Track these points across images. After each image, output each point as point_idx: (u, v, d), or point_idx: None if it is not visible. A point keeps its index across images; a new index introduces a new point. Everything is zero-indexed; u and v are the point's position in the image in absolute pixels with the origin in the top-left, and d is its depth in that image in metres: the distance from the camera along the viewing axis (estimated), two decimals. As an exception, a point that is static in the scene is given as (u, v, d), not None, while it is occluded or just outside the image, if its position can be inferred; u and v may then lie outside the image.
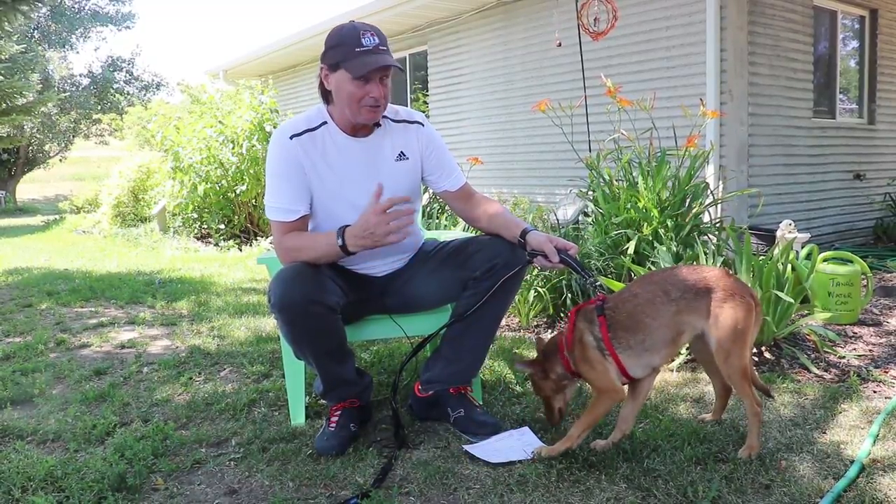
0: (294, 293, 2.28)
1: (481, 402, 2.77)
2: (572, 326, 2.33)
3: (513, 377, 3.15)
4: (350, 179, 2.49)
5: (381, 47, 2.35)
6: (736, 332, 2.20)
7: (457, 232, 4.83)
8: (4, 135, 21.66)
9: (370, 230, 2.27)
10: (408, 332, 2.73)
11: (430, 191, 6.07)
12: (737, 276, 2.37)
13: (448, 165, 2.69)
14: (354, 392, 2.57)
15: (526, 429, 2.47)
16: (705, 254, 3.75)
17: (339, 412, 2.52)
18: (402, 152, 2.58)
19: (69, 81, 27.86)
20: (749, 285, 2.63)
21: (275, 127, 9.11)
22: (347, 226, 2.34)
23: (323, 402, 2.82)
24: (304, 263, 2.38)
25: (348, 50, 2.34)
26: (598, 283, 2.40)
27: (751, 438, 2.27)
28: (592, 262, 4.15)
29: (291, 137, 2.44)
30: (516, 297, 3.95)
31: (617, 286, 3.58)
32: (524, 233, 2.47)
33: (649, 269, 3.74)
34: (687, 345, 2.75)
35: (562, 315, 4.10)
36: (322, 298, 2.32)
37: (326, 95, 2.48)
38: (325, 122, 2.48)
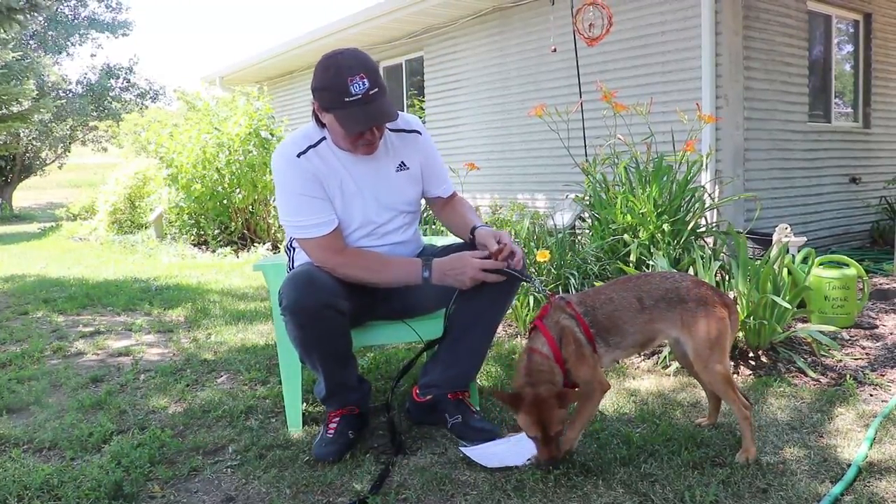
0: (308, 297, 2.30)
1: (478, 408, 2.77)
2: (548, 332, 2.26)
3: (509, 384, 3.15)
4: (353, 193, 2.50)
5: (371, 91, 2.28)
6: (710, 340, 2.24)
7: (452, 238, 4.83)
8: (0, 142, 21.64)
9: (462, 273, 2.38)
10: (413, 336, 2.74)
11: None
12: (708, 284, 2.39)
13: (442, 174, 2.74)
14: (355, 398, 2.58)
15: (523, 434, 2.46)
16: (702, 258, 3.75)
17: (337, 419, 2.53)
18: (402, 163, 2.60)
19: (65, 88, 27.83)
20: (721, 290, 2.65)
21: (271, 133, 9.11)
22: (431, 258, 2.43)
23: (321, 408, 2.83)
24: (315, 268, 2.41)
25: (337, 98, 2.30)
26: (542, 288, 2.47)
27: (746, 442, 2.28)
28: (589, 267, 4.15)
29: (298, 156, 2.43)
30: (514, 302, 3.95)
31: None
32: (473, 230, 2.57)
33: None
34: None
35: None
36: (335, 303, 2.34)
37: (321, 121, 2.47)
38: (324, 138, 2.49)
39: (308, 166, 2.43)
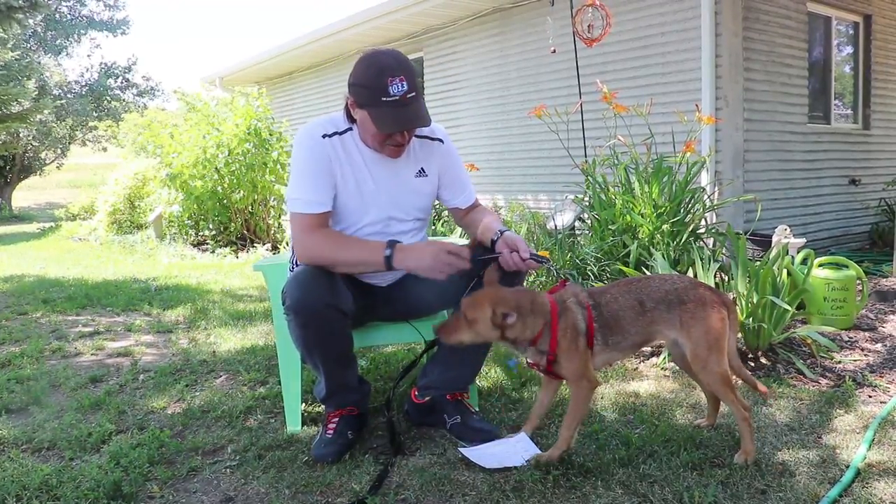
0: (311, 296, 2.30)
1: (478, 409, 2.77)
2: (554, 303, 2.26)
3: (508, 384, 3.15)
4: (368, 189, 2.50)
5: (409, 95, 2.31)
6: (709, 341, 2.25)
7: (453, 239, 4.83)
8: (0, 142, 21.62)
9: (428, 261, 2.27)
10: (416, 337, 2.74)
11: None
12: (707, 285, 2.40)
13: (461, 183, 2.73)
14: (355, 399, 2.58)
15: (522, 435, 2.46)
16: (701, 259, 3.76)
17: (336, 419, 2.53)
18: (422, 168, 2.60)
19: (65, 88, 27.83)
20: (721, 290, 2.66)
21: (270, 134, 9.11)
22: (396, 241, 2.36)
23: (320, 408, 2.83)
24: (320, 268, 2.39)
25: (374, 97, 2.31)
26: (556, 268, 2.45)
27: (745, 443, 2.29)
28: (588, 268, 4.15)
29: (324, 136, 2.44)
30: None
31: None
32: (500, 233, 2.50)
33: (644, 274, 3.74)
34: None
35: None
36: (337, 303, 2.35)
37: (352, 116, 2.47)
38: (350, 129, 2.49)
39: (328, 149, 2.44)
